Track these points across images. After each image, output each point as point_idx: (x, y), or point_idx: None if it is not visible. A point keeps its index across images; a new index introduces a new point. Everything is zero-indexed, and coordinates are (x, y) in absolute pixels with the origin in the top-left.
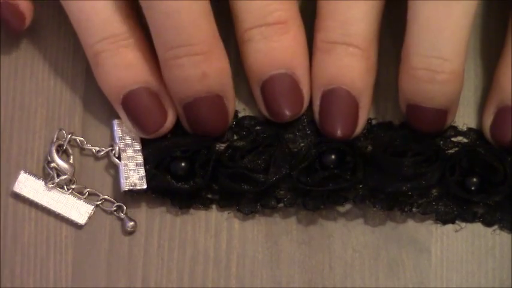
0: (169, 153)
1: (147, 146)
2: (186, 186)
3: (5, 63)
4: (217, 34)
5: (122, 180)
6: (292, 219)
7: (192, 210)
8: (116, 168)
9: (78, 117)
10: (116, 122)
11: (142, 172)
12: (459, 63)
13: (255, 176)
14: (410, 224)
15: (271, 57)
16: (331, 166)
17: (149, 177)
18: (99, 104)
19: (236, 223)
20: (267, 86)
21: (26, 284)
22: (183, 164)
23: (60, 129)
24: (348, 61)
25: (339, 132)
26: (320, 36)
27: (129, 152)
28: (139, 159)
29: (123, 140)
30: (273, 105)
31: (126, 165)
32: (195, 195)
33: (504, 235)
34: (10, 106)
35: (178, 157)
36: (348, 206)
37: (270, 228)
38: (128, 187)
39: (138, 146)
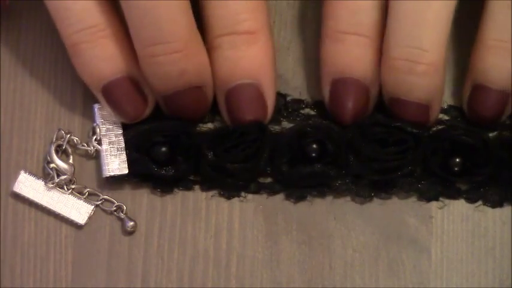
0: (149, 138)
1: (127, 130)
2: (170, 173)
3: (5, 63)
4: (195, 28)
5: (103, 167)
6: (292, 219)
7: (192, 210)
8: (97, 153)
9: (78, 117)
10: (96, 106)
11: (123, 157)
12: (439, 54)
13: (238, 172)
14: (411, 224)
15: (238, 66)
16: (314, 155)
17: (131, 162)
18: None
19: (236, 223)
20: (231, 94)
21: (26, 284)
22: (163, 149)
23: (59, 129)
24: (359, 52)
25: (350, 120)
26: (330, 24)
27: (111, 137)
28: (121, 143)
29: (104, 124)
30: (235, 114)
31: (107, 150)
32: (176, 178)
33: (504, 235)
34: (10, 106)
35: (159, 142)
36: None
37: (270, 228)
38: (109, 173)
39: (119, 130)
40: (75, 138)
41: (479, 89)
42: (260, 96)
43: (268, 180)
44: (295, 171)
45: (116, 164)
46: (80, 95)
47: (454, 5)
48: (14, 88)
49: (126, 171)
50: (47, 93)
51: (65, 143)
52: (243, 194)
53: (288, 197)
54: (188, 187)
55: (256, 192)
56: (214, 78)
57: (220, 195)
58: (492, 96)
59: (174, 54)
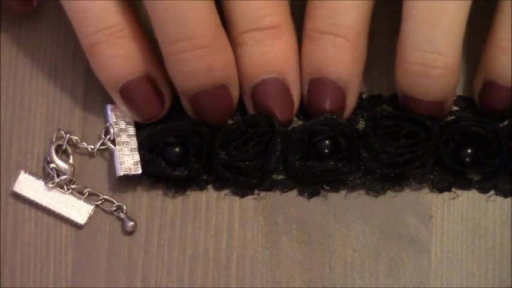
0: (162, 138)
1: (140, 130)
2: (183, 173)
3: (5, 63)
4: (220, 25)
5: (117, 166)
6: (292, 219)
7: (192, 210)
8: (111, 154)
9: (78, 117)
10: (109, 106)
11: (137, 157)
12: (454, 57)
13: (250, 171)
14: (411, 223)
15: (264, 61)
16: (326, 151)
17: (144, 162)
18: (99, 104)
19: (236, 223)
20: (258, 89)
21: (26, 284)
22: (177, 150)
23: (59, 130)
24: (334, 52)
25: (327, 105)
26: (309, 24)
27: (124, 137)
28: (134, 144)
29: (118, 124)
30: (263, 110)
31: (120, 150)
32: (190, 178)
33: (504, 235)
34: (10, 106)
35: (172, 142)
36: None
37: (270, 228)
38: (123, 172)
39: (132, 131)
40: (75, 138)
41: (491, 85)
42: (286, 91)
43: (281, 177)
44: (308, 167)
45: (129, 163)
46: (80, 95)
47: (469, 7)
48: (14, 88)
49: (140, 171)
50: (47, 93)
51: (64, 143)
52: (256, 191)
53: (301, 192)
54: (201, 187)
55: (269, 189)
56: (240, 75)
57: (234, 193)
58: (504, 93)
59: (200, 50)
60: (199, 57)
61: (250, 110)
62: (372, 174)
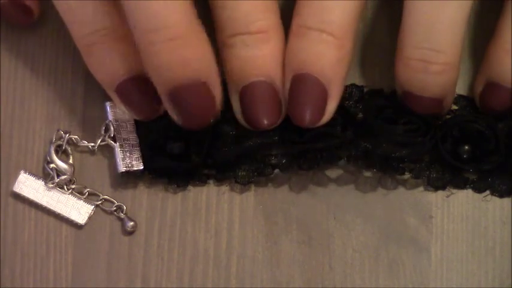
0: (163, 133)
1: (140, 126)
2: (183, 165)
3: (5, 63)
4: (194, 18)
5: (119, 162)
6: (292, 219)
7: (192, 210)
8: (112, 151)
9: (78, 117)
10: (108, 104)
11: (138, 153)
12: (453, 54)
13: (250, 155)
14: (411, 224)
15: (252, 64)
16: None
17: (145, 157)
18: (99, 104)
19: (236, 223)
20: (246, 92)
21: (26, 284)
22: (178, 144)
23: (58, 130)
24: (320, 48)
25: (306, 119)
26: (296, 21)
27: (124, 134)
28: (134, 140)
29: (117, 121)
30: (250, 112)
31: (121, 146)
32: (191, 172)
33: (504, 235)
34: (10, 106)
35: (173, 136)
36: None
37: (270, 228)
38: (124, 168)
39: (132, 127)
40: (75, 137)
41: (493, 86)
42: (274, 94)
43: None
44: (305, 135)
45: (130, 159)
46: (80, 95)
47: (469, 6)
48: (14, 88)
49: (141, 166)
50: (47, 93)
51: (64, 143)
52: (255, 174)
53: (300, 167)
54: (202, 181)
55: (270, 174)
56: (228, 77)
57: (236, 182)
58: (506, 94)
59: (173, 42)
60: (172, 48)
61: (238, 112)
62: (369, 155)
